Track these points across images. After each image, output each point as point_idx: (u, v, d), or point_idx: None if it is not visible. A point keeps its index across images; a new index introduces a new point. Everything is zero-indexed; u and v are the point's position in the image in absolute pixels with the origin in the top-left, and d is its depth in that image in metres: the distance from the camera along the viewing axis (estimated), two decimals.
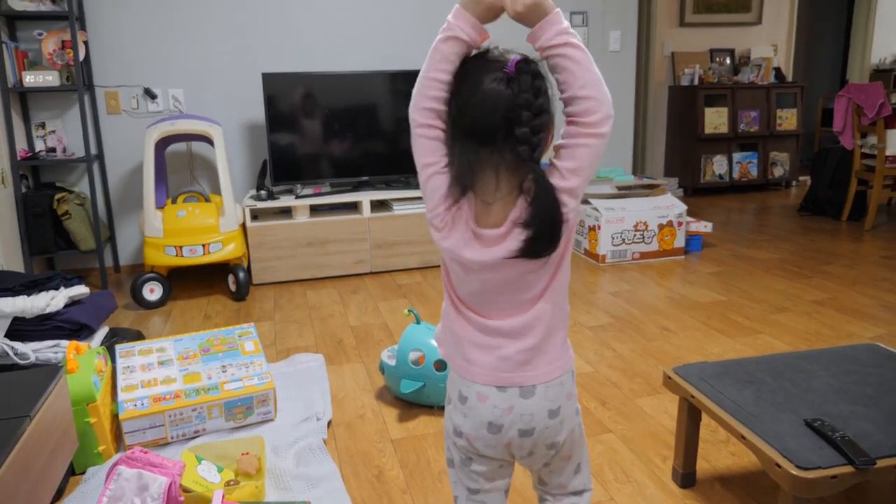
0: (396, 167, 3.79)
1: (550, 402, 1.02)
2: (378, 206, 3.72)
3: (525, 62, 0.90)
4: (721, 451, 1.83)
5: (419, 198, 3.68)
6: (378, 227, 3.60)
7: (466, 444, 1.05)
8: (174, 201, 3.30)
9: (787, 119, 5.69)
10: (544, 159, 0.93)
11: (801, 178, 6.01)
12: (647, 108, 5.45)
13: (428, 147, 0.95)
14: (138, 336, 2.54)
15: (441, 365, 2.03)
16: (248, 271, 3.37)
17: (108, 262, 3.69)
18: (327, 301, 3.20)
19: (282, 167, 3.59)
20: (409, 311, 2.18)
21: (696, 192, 5.66)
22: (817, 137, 6.79)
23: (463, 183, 0.94)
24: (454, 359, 1.05)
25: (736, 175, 5.67)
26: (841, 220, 4.57)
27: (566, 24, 0.91)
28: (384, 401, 2.16)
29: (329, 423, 2.02)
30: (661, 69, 5.70)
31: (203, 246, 3.15)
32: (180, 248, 3.11)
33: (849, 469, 1.21)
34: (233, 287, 3.25)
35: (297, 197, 3.58)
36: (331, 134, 3.65)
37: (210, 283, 3.49)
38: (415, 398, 2.07)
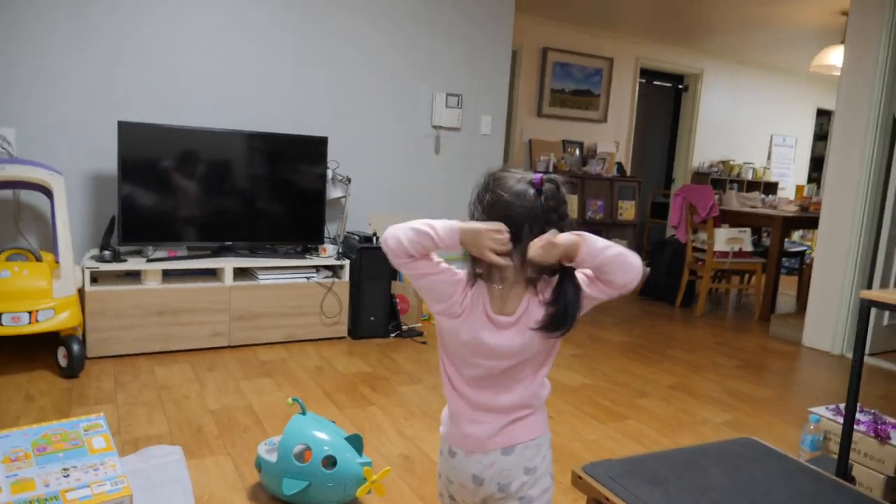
0: (262, 233, 3.57)
1: (527, 460, 1.17)
2: (241, 274, 3.46)
3: (549, 177, 1.07)
4: None
5: (287, 267, 3.51)
6: (240, 296, 3.33)
7: (456, 491, 1.23)
8: None
9: (627, 209, 6.24)
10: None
11: None
12: None
13: (426, 263, 1.11)
14: None
15: (329, 461, 1.85)
16: (84, 342, 2.93)
17: None
18: (180, 379, 2.86)
19: (132, 226, 3.23)
20: (293, 399, 1.98)
21: None
22: (647, 228, 7.52)
23: (478, 273, 1.10)
24: (452, 433, 1.21)
25: None
26: (675, 306, 5.01)
27: (598, 242, 1.05)
28: (259, 502, 1.92)
29: None
30: (519, 154, 6.04)
31: (30, 313, 2.70)
32: None
33: None
34: (63, 361, 2.80)
35: (149, 260, 3.22)
36: (191, 193, 3.36)
37: (30, 357, 2.99)
38: (298, 500, 1.86)
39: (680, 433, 2.60)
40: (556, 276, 1.08)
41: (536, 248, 1.03)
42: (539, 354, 1.13)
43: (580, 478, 1.59)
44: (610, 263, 1.04)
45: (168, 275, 3.31)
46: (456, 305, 1.09)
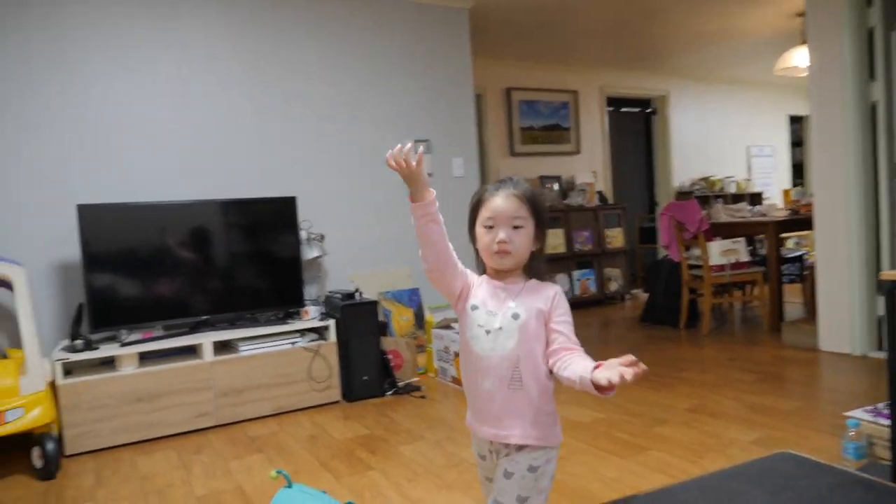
0: (240, 303, 3.40)
1: None
2: (221, 348, 3.27)
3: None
4: None
5: (269, 335, 3.33)
6: (223, 372, 3.14)
7: None
8: None
9: (615, 237, 6.13)
10: None
11: (633, 291, 6.41)
12: None
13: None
14: None
15: None
16: (60, 440, 2.71)
17: None
18: (164, 467, 2.64)
19: (102, 311, 3.06)
20: (276, 472, 1.78)
21: None
22: (638, 254, 7.39)
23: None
24: None
25: (578, 292, 5.91)
26: (679, 328, 4.84)
27: None
28: None
29: None
30: None
31: None
32: None
33: None
34: (39, 462, 2.58)
35: (123, 344, 3.04)
36: (161, 270, 3.21)
37: (2, 461, 2.76)
38: None
39: (708, 458, 2.40)
40: None
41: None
42: None
43: None
44: None
45: (145, 358, 3.12)
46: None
